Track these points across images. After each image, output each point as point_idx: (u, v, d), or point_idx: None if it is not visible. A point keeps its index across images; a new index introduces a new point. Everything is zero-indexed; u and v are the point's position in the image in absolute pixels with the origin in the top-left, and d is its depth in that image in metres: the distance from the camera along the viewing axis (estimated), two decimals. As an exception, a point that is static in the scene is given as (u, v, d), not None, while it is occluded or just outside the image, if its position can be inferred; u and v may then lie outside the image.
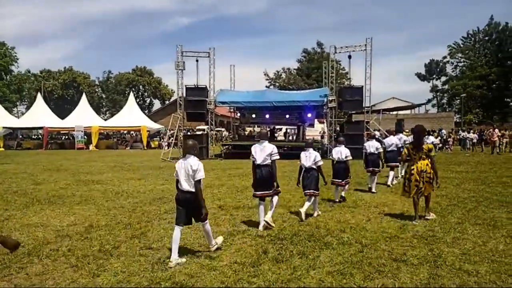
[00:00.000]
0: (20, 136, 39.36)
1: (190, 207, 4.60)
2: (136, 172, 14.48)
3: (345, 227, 6.02)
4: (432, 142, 11.31)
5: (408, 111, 46.74)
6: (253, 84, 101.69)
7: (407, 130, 16.45)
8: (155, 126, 38.68)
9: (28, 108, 48.37)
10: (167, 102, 66.98)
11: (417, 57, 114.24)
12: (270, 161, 5.90)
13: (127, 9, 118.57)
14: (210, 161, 19.53)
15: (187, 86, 21.44)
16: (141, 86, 73.44)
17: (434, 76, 62.78)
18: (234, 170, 14.55)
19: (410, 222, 6.29)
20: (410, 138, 11.89)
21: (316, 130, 31.49)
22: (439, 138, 26.57)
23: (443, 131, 30.69)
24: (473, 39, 60.20)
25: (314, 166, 6.71)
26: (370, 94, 20.35)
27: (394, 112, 43.99)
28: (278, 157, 5.96)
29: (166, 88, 74.56)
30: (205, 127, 30.73)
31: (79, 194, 9.38)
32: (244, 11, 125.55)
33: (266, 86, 53.96)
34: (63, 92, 67.70)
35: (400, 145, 10.96)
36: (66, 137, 39.69)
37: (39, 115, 35.31)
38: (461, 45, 60.05)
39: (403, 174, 11.87)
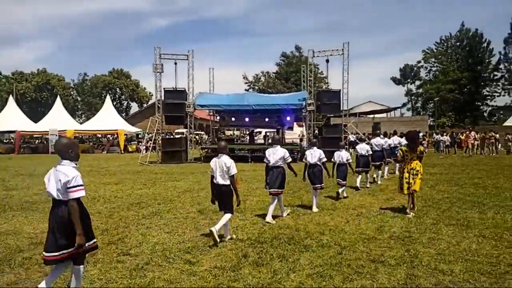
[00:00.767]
0: (-9, 140, 37.97)
1: (222, 197, 5.42)
2: (113, 176, 14.20)
3: (324, 230, 6.09)
4: (399, 143, 12.07)
5: (384, 115, 47.80)
6: (233, 87, 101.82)
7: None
8: (132, 129, 38.05)
9: (-1, 111, 46.59)
10: (145, 105, 66.06)
11: (392, 61, 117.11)
12: (281, 163, 6.75)
13: (103, 10, 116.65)
14: (189, 164, 19.37)
15: (165, 89, 21.24)
16: (118, 89, 72.13)
17: (409, 80, 64.43)
18: (214, 173, 14.48)
19: (387, 223, 6.43)
20: (391, 140, 12.63)
21: (295, 133, 31.73)
22: (399, 146, 27.20)
23: (419, 134, 31.53)
24: (445, 44, 62.18)
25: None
26: (347, 98, 20.76)
27: (371, 116, 44.87)
28: (290, 159, 6.87)
29: (144, 91, 73.52)
30: (184, 130, 30.49)
31: (53, 200, 9.09)
32: (223, 14, 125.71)
33: (246, 90, 53.96)
34: (36, 94, 65.72)
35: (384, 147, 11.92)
36: (40, 141, 38.49)
37: (11, 119, 34.08)
38: (434, 50, 61.92)
39: (384, 176, 12.40)
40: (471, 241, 5.37)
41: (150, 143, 22.78)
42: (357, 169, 10.34)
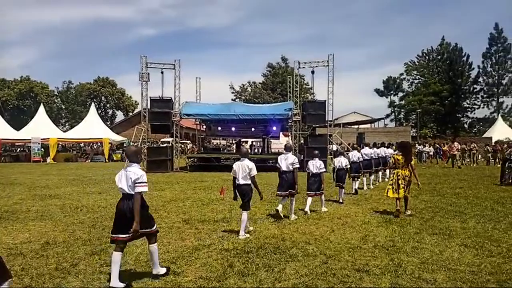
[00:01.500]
0: (-31, 148, 36.85)
1: (244, 195, 6.21)
2: (96, 185, 13.96)
3: (309, 239, 6.11)
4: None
5: (368, 125, 48.48)
6: (219, 97, 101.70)
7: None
8: (117, 138, 37.56)
9: (-21, 119, 45.35)
10: (130, 113, 65.40)
11: (376, 73, 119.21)
12: (292, 168, 7.53)
13: (89, 18, 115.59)
14: (174, 173, 19.20)
15: (151, 98, 21.12)
16: (103, 97, 71.16)
17: (392, 92, 65.64)
18: (200, 183, 14.39)
19: (372, 233, 6.49)
20: (379, 150, 13.86)
21: (281, 143, 31.85)
22: (397, 151, 27.67)
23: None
24: (427, 57, 63.73)
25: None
26: (332, 109, 21.04)
27: (355, 126, 45.45)
28: (298, 165, 7.67)
29: (129, 100, 72.75)
30: (169, 139, 30.28)
31: (34, 210, 8.89)
32: (209, 24, 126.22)
33: (232, 99, 54.12)
34: (19, 102, 64.33)
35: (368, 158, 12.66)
36: (22, 149, 37.60)
37: (-8, 126, 33.30)
38: (416, 63, 63.37)
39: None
40: (453, 250, 5.46)
41: (135, 152, 22.51)
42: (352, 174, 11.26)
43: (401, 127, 51.32)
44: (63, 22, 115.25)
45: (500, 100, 57.42)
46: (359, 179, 11.82)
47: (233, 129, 24.22)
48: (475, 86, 59.11)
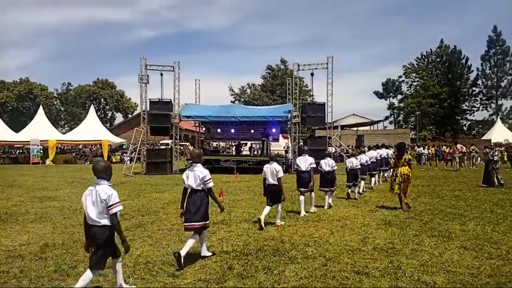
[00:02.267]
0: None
1: (273, 194, 7.05)
2: (95, 187, 13.92)
3: (309, 241, 6.10)
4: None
5: (367, 127, 48.53)
6: (218, 99, 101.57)
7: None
8: (117, 140, 37.53)
9: (-22, 121, 45.25)
10: (130, 115, 65.36)
11: (375, 76, 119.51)
12: (310, 168, 8.39)
13: (88, 20, 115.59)
14: (174, 175, 19.18)
15: (151, 100, 21.12)
16: (102, 99, 71.16)
17: (391, 94, 65.69)
18: (199, 185, 14.38)
19: (371, 235, 6.49)
20: (382, 151, 14.55)
21: (281, 145, 31.87)
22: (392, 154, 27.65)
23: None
24: (426, 60, 63.85)
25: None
26: (331, 111, 21.04)
27: (355, 128, 45.49)
28: (315, 165, 8.54)
29: (129, 102, 72.76)
30: (169, 141, 30.28)
31: (33, 212, 8.88)
32: (208, 26, 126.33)
33: (231, 101, 54.07)
34: (18, 104, 64.28)
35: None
36: (21, 151, 37.56)
37: (-9, 128, 33.27)
38: (415, 66, 63.48)
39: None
40: (452, 253, 5.46)
41: (135, 154, 22.50)
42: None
43: (400, 129, 51.33)
44: (63, 24, 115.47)
45: (499, 102, 57.51)
46: (362, 182, 11.91)
47: (232, 131, 24.22)
48: (474, 88, 59.20)
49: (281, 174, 7.10)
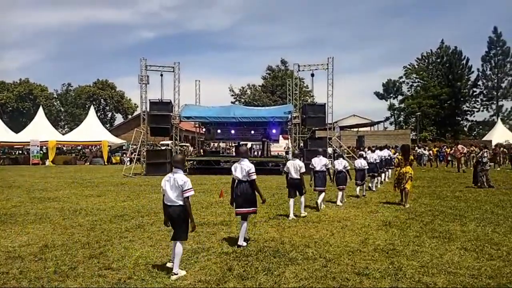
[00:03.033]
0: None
1: (295, 187, 7.88)
2: (95, 188, 13.93)
3: (309, 242, 6.09)
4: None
5: (368, 128, 48.49)
6: (219, 100, 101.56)
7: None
8: (117, 141, 37.53)
9: (-22, 121, 45.20)
10: (130, 116, 65.36)
11: (375, 76, 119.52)
12: (325, 168, 9.24)
13: (88, 21, 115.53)
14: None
15: (151, 101, 21.12)
16: (102, 100, 71.16)
17: (391, 95, 65.72)
18: (199, 186, 14.36)
19: (371, 236, 6.47)
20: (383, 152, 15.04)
21: (281, 145, 31.86)
22: (397, 154, 27.66)
23: (398, 148, 32.01)
24: (426, 61, 63.87)
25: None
26: (332, 111, 21.03)
27: (355, 129, 45.47)
28: (330, 165, 9.60)
29: (129, 102, 72.77)
30: (169, 142, 30.28)
31: (33, 212, 8.87)
32: (208, 27, 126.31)
33: (232, 102, 54.05)
34: (18, 104, 64.31)
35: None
36: (21, 152, 37.58)
37: (-9, 129, 33.28)
38: (416, 66, 63.49)
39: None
40: (453, 254, 5.44)
41: (135, 155, 22.49)
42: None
43: (401, 130, 51.31)
44: (63, 25, 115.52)
45: (500, 103, 57.49)
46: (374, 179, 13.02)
47: (232, 132, 24.22)
48: (474, 89, 59.19)
49: (303, 169, 8.00)
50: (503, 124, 45.78)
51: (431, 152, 28.64)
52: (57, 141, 33.28)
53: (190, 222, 4.61)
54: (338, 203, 9.93)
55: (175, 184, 4.53)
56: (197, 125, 26.64)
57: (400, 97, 64.26)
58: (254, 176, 5.89)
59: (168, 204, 4.60)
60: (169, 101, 21.34)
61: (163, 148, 26.20)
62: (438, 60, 62.03)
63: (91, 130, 34.42)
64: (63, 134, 40.10)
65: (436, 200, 10.67)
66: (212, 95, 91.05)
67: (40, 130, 33.52)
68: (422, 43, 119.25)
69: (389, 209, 9.20)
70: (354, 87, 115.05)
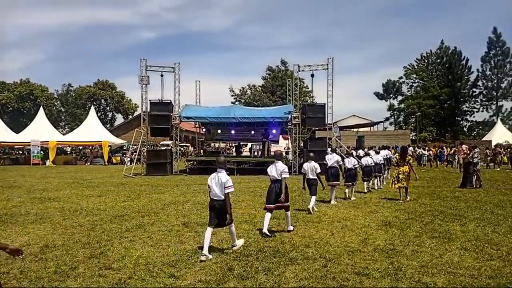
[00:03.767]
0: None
1: (311, 186, 8.52)
2: (96, 188, 13.94)
3: (309, 242, 6.10)
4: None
5: (367, 128, 48.49)
6: (219, 100, 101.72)
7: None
8: (117, 141, 37.54)
9: (-22, 122, 45.17)
10: (130, 116, 65.36)
11: (375, 77, 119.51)
12: (336, 164, 10.44)
13: (89, 21, 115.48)
14: (174, 176, 19.19)
15: (151, 101, 21.14)
16: (103, 100, 71.21)
17: (391, 95, 65.74)
18: (199, 186, 14.37)
19: (371, 236, 6.48)
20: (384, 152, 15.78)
21: (281, 146, 31.85)
22: (397, 154, 27.69)
23: (398, 148, 32.05)
24: (426, 61, 63.92)
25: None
26: (332, 112, 21.04)
27: (355, 129, 45.48)
28: (342, 163, 10.76)
29: (129, 103, 72.79)
30: (169, 142, 30.29)
31: (33, 212, 8.88)
32: (208, 27, 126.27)
33: (232, 102, 54.04)
34: (18, 105, 64.33)
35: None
36: (21, 152, 37.58)
37: (-9, 129, 33.26)
38: (416, 67, 63.53)
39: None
40: (453, 254, 5.45)
41: (135, 155, 22.50)
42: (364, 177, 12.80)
43: (401, 131, 51.35)
44: (63, 25, 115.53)
45: (499, 103, 57.52)
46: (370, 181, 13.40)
47: (232, 132, 24.21)
48: (474, 89, 59.23)
49: (319, 170, 8.68)
50: (502, 124, 45.77)
51: (430, 152, 28.66)
52: (57, 141, 33.29)
53: (229, 215, 5.54)
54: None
55: (219, 181, 5.50)
56: (197, 125, 26.64)
57: (400, 98, 64.35)
58: (286, 175, 6.76)
59: (214, 198, 5.60)
60: (169, 101, 21.35)
61: (163, 148, 26.20)
62: (438, 60, 62.07)
63: (91, 130, 34.42)
64: (63, 135, 40.12)
65: (436, 200, 10.68)
66: (212, 95, 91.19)
67: (40, 131, 33.52)
68: (422, 43, 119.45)
69: (389, 209, 9.21)
70: (354, 87, 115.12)
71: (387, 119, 64.17)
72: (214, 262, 5.09)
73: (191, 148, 37.48)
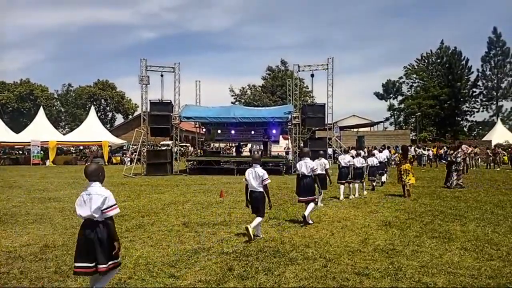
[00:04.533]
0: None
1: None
2: (96, 188, 13.91)
3: (309, 242, 6.09)
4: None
5: (367, 128, 48.46)
6: (219, 100, 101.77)
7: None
8: (117, 141, 37.54)
9: (-22, 122, 45.14)
10: (130, 116, 65.35)
11: (375, 77, 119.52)
12: (349, 165, 11.26)
13: (89, 21, 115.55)
14: (174, 176, 19.19)
15: (151, 101, 21.14)
16: (103, 100, 71.24)
17: (391, 95, 65.71)
18: (199, 186, 14.38)
19: (371, 236, 6.48)
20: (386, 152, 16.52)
21: (281, 146, 31.88)
22: (397, 154, 27.69)
23: (398, 148, 32.06)
24: (426, 61, 63.87)
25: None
26: (332, 112, 21.04)
27: (355, 129, 45.46)
28: (352, 163, 11.47)
29: (129, 103, 72.80)
30: (169, 142, 30.30)
31: (34, 212, 8.88)
32: (209, 27, 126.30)
33: (232, 102, 54.06)
34: (18, 105, 64.34)
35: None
36: (21, 152, 37.58)
37: (-9, 129, 33.25)
38: (416, 67, 63.49)
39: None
40: (453, 254, 5.45)
41: (135, 155, 22.50)
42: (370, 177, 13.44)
43: (401, 131, 51.30)
44: (63, 25, 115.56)
45: (499, 103, 57.46)
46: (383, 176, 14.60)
47: (232, 132, 24.21)
48: (474, 89, 59.16)
49: (328, 166, 9.21)
50: (502, 124, 45.76)
51: (431, 152, 28.66)
52: (57, 141, 33.28)
53: (268, 202, 6.30)
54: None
55: (257, 175, 6.17)
56: (197, 126, 26.65)
57: (400, 98, 64.29)
58: (317, 171, 7.71)
59: (252, 190, 6.24)
60: (169, 101, 21.35)
61: (163, 148, 26.20)
62: (438, 60, 62.03)
63: (91, 130, 34.42)
64: (63, 135, 40.11)
65: (436, 200, 10.68)
66: (212, 95, 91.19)
67: (40, 131, 33.51)
68: (422, 43, 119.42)
69: (389, 209, 9.21)
70: (354, 87, 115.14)
71: (387, 119, 64.17)
72: (214, 262, 5.09)
73: (191, 148, 37.49)
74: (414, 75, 62.15)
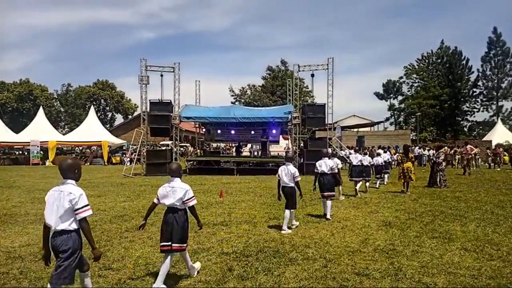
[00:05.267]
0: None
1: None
2: (95, 188, 13.93)
3: (309, 242, 6.09)
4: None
5: (368, 128, 48.44)
6: (219, 100, 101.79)
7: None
8: (117, 141, 37.52)
9: (-22, 122, 45.13)
10: (130, 116, 65.34)
11: (375, 77, 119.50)
12: (359, 164, 12.00)
13: (88, 21, 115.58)
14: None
15: (151, 101, 21.12)
16: (102, 100, 71.21)
17: (392, 95, 65.69)
18: (199, 186, 14.37)
19: (371, 236, 6.48)
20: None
21: (281, 146, 31.87)
22: (396, 154, 27.69)
23: (398, 148, 32.04)
24: (426, 61, 63.83)
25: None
26: (332, 112, 21.03)
27: (355, 129, 45.45)
28: (365, 162, 12.31)
29: (129, 103, 72.78)
30: (169, 142, 30.30)
31: (33, 213, 8.87)
32: (208, 27, 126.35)
33: (232, 102, 54.05)
34: (18, 105, 64.33)
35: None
36: (21, 152, 37.56)
37: (-10, 129, 33.25)
38: (416, 67, 63.47)
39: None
40: (453, 254, 5.45)
41: (135, 155, 22.48)
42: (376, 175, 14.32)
43: (401, 131, 51.27)
44: (63, 25, 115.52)
45: (500, 103, 57.37)
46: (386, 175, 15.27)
47: (232, 132, 24.23)
48: (474, 89, 59.08)
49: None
50: (503, 124, 45.70)
51: (431, 152, 28.62)
52: (57, 141, 33.27)
53: (299, 195, 6.93)
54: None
55: (289, 172, 6.80)
56: (197, 126, 26.64)
57: (400, 98, 64.25)
58: (336, 170, 8.56)
59: (284, 185, 6.89)
60: (169, 101, 21.34)
61: (163, 148, 26.19)
62: (438, 60, 61.99)
63: (91, 130, 34.41)
64: (63, 135, 40.10)
65: (436, 200, 10.67)
66: (212, 95, 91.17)
67: (40, 131, 33.50)
68: (422, 43, 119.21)
69: (389, 209, 9.20)
70: (354, 87, 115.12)
71: (387, 119, 64.12)
72: (214, 263, 5.09)
73: (191, 148, 37.47)
74: (414, 75, 62.14)
